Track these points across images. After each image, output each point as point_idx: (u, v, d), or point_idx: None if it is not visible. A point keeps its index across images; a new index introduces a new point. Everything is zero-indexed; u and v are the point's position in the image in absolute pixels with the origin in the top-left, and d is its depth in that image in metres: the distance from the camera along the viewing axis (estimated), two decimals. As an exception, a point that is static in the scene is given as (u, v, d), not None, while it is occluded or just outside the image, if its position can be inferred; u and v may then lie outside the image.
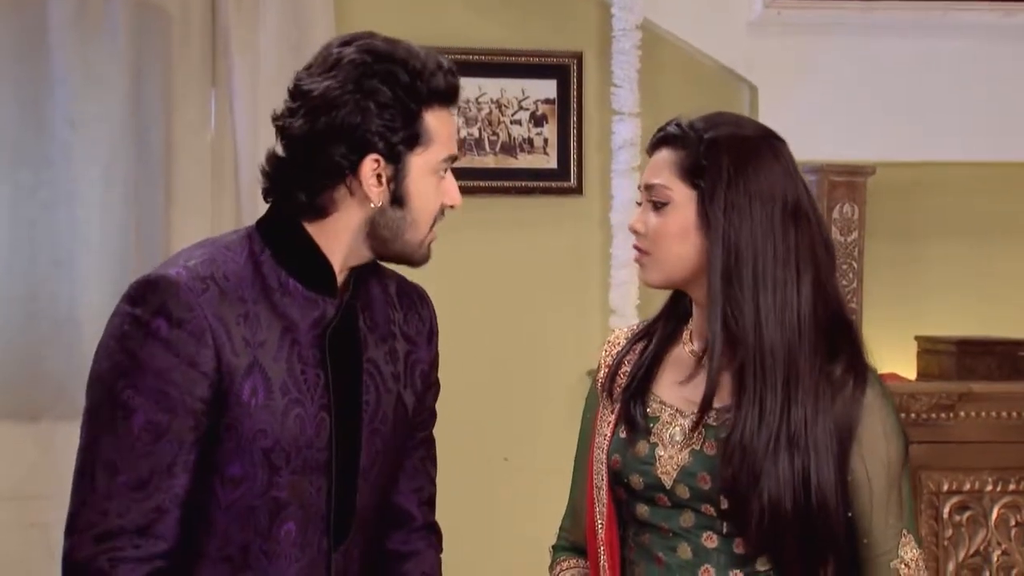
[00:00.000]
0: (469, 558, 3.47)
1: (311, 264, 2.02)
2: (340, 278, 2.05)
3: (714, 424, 2.08)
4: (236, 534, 1.98)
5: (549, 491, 2.51)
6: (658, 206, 2.09)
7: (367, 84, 1.97)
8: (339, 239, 2.03)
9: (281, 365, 1.98)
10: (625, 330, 2.25)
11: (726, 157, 2.05)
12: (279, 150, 2.03)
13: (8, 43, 3.83)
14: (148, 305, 1.94)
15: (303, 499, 2.00)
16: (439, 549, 2.21)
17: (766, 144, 2.09)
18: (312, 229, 2.02)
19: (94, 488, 1.93)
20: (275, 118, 2.03)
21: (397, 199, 2.01)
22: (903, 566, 2.08)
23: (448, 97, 2.02)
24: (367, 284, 2.11)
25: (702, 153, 2.06)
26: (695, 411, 2.09)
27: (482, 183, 4.03)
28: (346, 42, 2.02)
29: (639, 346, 2.19)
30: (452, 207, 2.06)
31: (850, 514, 2.07)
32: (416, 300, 2.18)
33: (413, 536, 2.18)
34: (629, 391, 2.14)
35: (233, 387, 1.95)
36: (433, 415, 2.21)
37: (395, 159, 1.99)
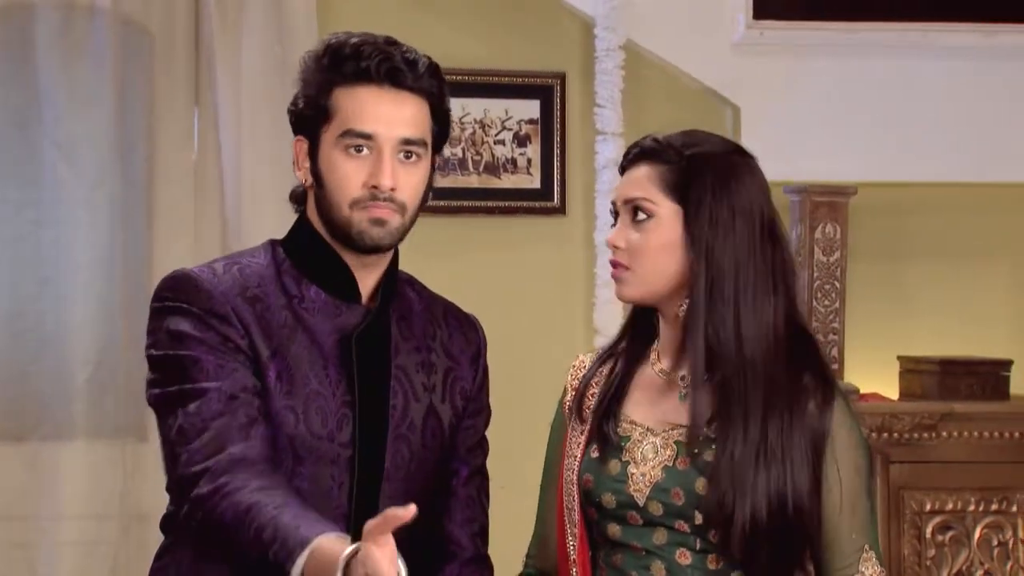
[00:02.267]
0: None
1: (331, 268, 2.07)
2: (368, 283, 2.09)
3: (685, 441, 2.08)
4: None
5: (533, 513, 2.51)
6: (640, 220, 2.09)
7: (302, 72, 2.08)
8: (319, 225, 2.08)
9: (302, 358, 2.03)
10: (590, 354, 2.25)
11: (710, 173, 2.07)
12: None
13: (-7, 62, 3.84)
14: (173, 297, 2.02)
15: (323, 492, 2.03)
16: None
17: (743, 161, 2.12)
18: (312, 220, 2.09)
19: (182, 429, 1.96)
20: None
21: (317, 177, 2.06)
22: None
23: (365, 74, 2.03)
24: (406, 298, 2.15)
25: (686, 169, 2.07)
26: (666, 428, 2.10)
27: (465, 203, 4.04)
28: None
29: (605, 368, 2.19)
30: (375, 189, 2.03)
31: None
32: (465, 323, 2.22)
33: (465, 570, 2.18)
34: (600, 411, 2.14)
35: (263, 369, 2.01)
36: (484, 443, 2.23)
37: (310, 136, 2.05)
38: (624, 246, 2.10)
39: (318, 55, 2.06)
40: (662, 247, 2.08)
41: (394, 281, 2.13)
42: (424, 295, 2.19)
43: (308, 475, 2.02)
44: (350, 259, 2.07)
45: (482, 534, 2.21)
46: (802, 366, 2.08)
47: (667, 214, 2.08)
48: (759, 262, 2.07)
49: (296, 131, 2.08)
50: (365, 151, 2.03)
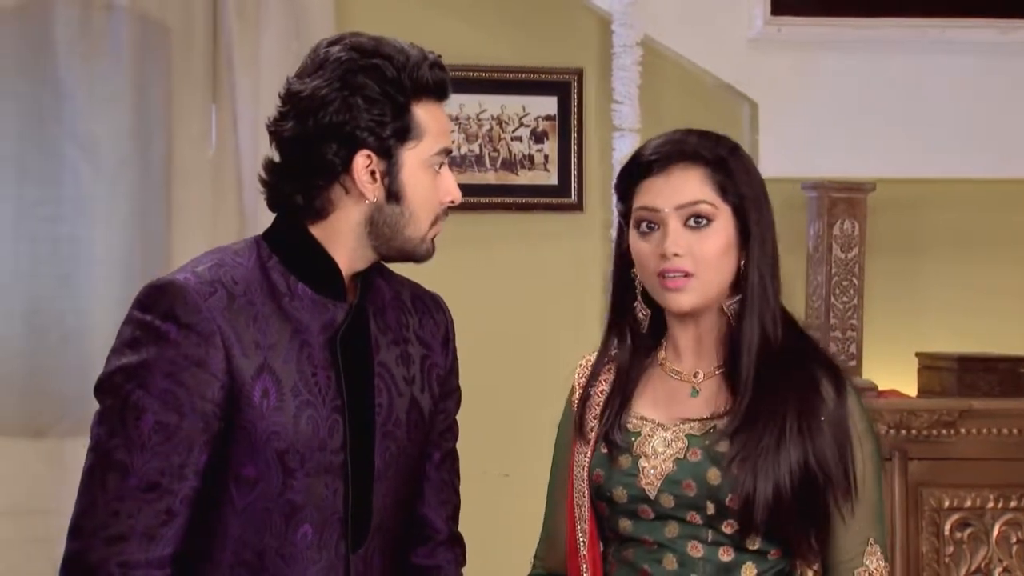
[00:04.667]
0: (469, 574, 3.46)
1: (318, 267, 2.03)
2: (347, 282, 2.06)
3: (697, 434, 2.09)
4: (252, 538, 1.98)
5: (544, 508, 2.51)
6: (695, 225, 2.07)
7: (353, 80, 1.98)
8: (342, 239, 2.03)
9: (291, 367, 1.99)
10: (596, 354, 2.23)
11: (742, 170, 2.09)
12: (275, 157, 2.04)
13: (13, 59, 3.85)
14: (157, 309, 1.95)
15: (318, 501, 2.00)
16: (462, 562, 2.22)
17: (744, 152, 2.14)
18: (315, 232, 2.03)
19: (104, 489, 1.93)
20: (269, 124, 2.04)
21: (393, 194, 2.01)
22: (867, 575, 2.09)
23: (436, 90, 2.02)
24: (378, 288, 2.12)
25: (727, 169, 2.08)
26: (676, 423, 2.10)
27: (483, 199, 4.04)
28: (333, 42, 2.03)
29: (610, 366, 2.18)
30: (452, 203, 2.05)
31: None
32: (431, 305, 2.18)
33: (438, 550, 2.19)
34: (607, 417, 2.14)
35: (244, 389, 1.96)
36: (455, 425, 2.21)
37: (387, 154, 2.00)
38: (686, 253, 2.06)
39: (396, 67, 1.99)
40: (724, 251, 2.07)
41: (370, 274, 2.11)
42: (391, 280, 2.16)
43: (301, 487, 1.99)
44: (346, 263, 2.05)
45: (454, 515, 2.21)
46: (807, 356, 2.10)
47: (724, 216, 2.07)
48: (777, 253, 2.11)
49: (355, 146, 1.99)
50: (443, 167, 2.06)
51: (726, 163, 2.08)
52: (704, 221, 2.06)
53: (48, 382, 3.84)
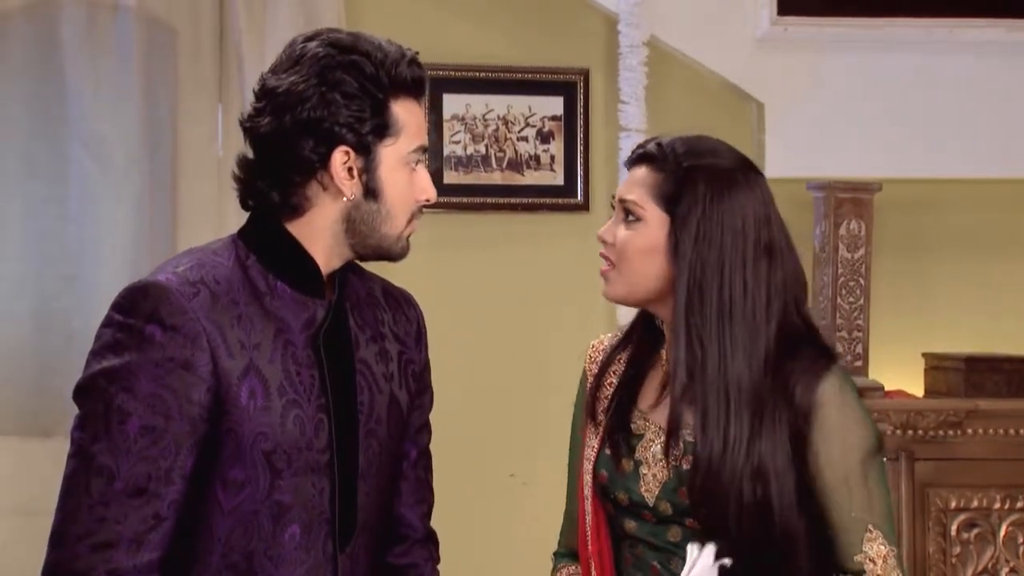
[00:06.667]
0: (475, 573, 3.48)
1: (297, 265, 2.02)
2: (324, 279, 2.05)
3: (692, 440, 2.08)
4: (240, 540, 1.97)
5: (555, 506, 2.51)
6: (629, 220, 2.09)
7: (332, 76, 1.97)
8: (319, 236, 2.02)
9: (276, 367, 1.97)
10: (609, 336, 2.25)
11: (702, 187, 2.06)
12: (249, 153, 2.02)
13: (20, 59, 3.86)
14: (139, 312, 1.92)
15: (306, 501, 1.99)
16: (437, 560, 2.22)
17: (743, 176, 2.09)
18: (292, 229, 2.01)
19: (88, 495, 1.90)
20: (242, 120, 2.02)
21: (370, 191, 2.00)
22: (868, 562, 2.06)
23: (414, 87, 2.02)
24: (352, 285, 2.11)
25: (679, 180, 2.07)
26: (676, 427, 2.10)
27: (488, 199, 4.05)
28: (309, 38, 2.02)
29: (623, 356, 2.19)
30: (428, 201, 2.04)
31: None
32: (402, 302, 2.17)
33: (414, 549, 2.18)
34: (613, 416, 2.14)
35: (231, 390, 1.94)
36: (429, 422, 2.20)
37: (365, 150, 1.99)
38: (612, 242, 2.11)
39: (375, 64, 1.98)
40: (645, 250, 2.08)
41: (344, 271, 2.09)
42: (363, 277, 2.14)
43: (288, 487, 1.97)
44: (323, 261, 2.04)
45: (430, 513, 2.20)
46: (797, 349, 2.06)
47: (654, 220, 2.07)
48: (750, 281, 2.06)
49: (333, 142, 1.98)
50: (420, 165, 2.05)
51: (681, 174, 2.07)
52: (633, 218, 2.09)
53: (55, 382, 3.85)
